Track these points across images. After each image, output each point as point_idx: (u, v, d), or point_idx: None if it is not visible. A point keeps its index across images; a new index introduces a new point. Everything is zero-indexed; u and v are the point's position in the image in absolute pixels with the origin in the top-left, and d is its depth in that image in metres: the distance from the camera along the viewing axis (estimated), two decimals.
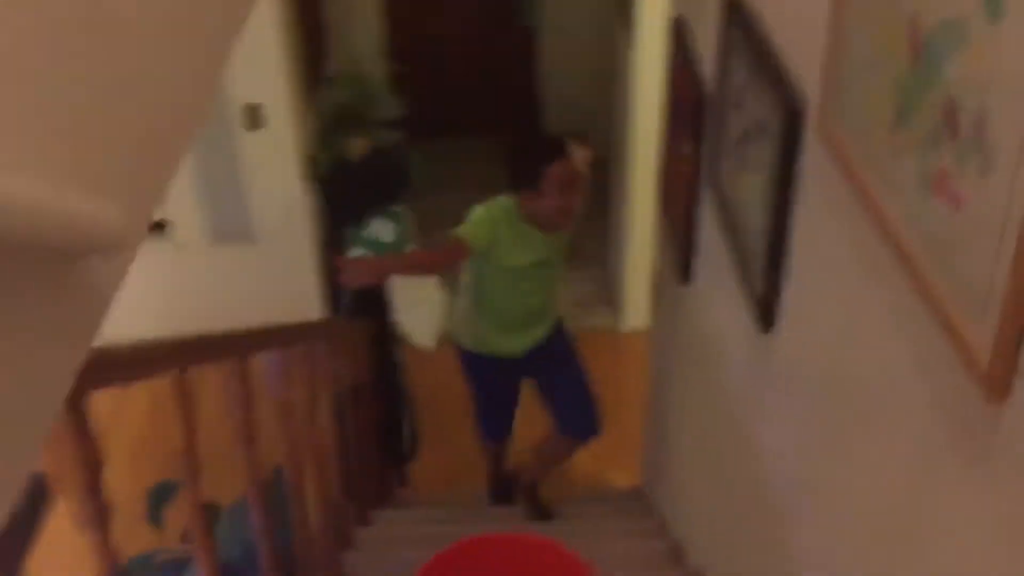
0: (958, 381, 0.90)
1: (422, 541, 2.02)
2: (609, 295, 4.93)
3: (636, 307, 4.43)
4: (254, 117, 3.92)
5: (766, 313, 1.61)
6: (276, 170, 4.10)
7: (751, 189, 1.68)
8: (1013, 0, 0.81)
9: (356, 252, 4.07)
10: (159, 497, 2.70)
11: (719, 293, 2.03)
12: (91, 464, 1.00)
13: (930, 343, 0.97)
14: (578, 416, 2.96)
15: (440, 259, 2.87)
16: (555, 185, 2.53)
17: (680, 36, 2.37)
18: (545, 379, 3.00)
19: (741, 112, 1.78)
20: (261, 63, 3.75)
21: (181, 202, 4.04)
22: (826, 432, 1.37)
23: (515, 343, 2.87)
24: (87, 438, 1.00)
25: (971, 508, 0.93)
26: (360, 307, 3.26)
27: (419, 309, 4.30)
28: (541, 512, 3.15)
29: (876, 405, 1.17)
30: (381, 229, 4.11)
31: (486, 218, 2.63)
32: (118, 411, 3.87)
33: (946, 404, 0.97)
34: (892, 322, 1.12)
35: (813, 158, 1.37)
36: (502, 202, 2.66)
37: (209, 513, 2.27)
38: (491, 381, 3.02)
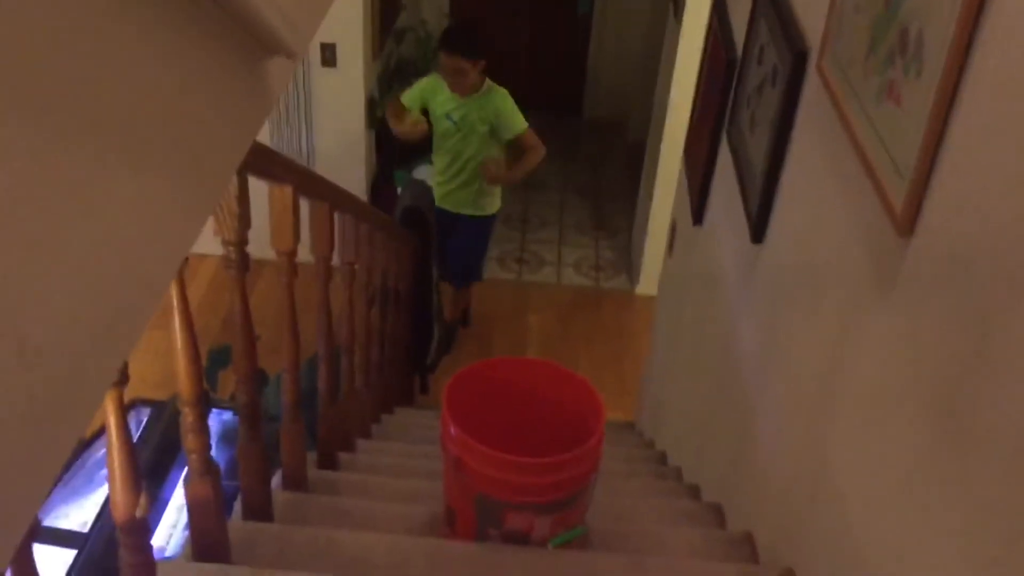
0: (883, 228, 1.25)
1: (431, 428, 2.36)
2: (628, 263, 5.27)
3: (651, 275, 4.65)
4: (328, 55, 4.30)
5: (759, 226, 1.95)
6: (342, 107, 4.47)
7: (761, 126, 2.03)
8: None
9: (401, 189, 4.43)
10: (215, 362, 3.05)
11: (723, 223, 2.38)
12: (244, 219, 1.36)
13: (868, 207, 1.32)
14: (456, 274, 4.41)
15: (390, 113, 4.08)
16: (443, 69, 3.78)
17: (719, 11, 2.72)
18: (451, 242, 4.25)
19: (760, 67, 2.13)
20: (340, 6, 4.11)
21: None
22: (791, 310, 1.72)
23: (441, 195, 4.09)
24: (245, 200, 1.36)
25: (884, 329, 1.27)
26: (408, 226, 3.62)
27: None
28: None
29: (825, 268, 1.52)
30: (425, 173, 4.47)
31: (416, 84, 4.00)
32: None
33: (872, 245, 1.32)
34: (846, 206, 1.47)
35: (810, 91, 1.71)
36: (433, 74, 3.99)
37: (258, 378, 2.65)
38: (439, 224, 4.26)
